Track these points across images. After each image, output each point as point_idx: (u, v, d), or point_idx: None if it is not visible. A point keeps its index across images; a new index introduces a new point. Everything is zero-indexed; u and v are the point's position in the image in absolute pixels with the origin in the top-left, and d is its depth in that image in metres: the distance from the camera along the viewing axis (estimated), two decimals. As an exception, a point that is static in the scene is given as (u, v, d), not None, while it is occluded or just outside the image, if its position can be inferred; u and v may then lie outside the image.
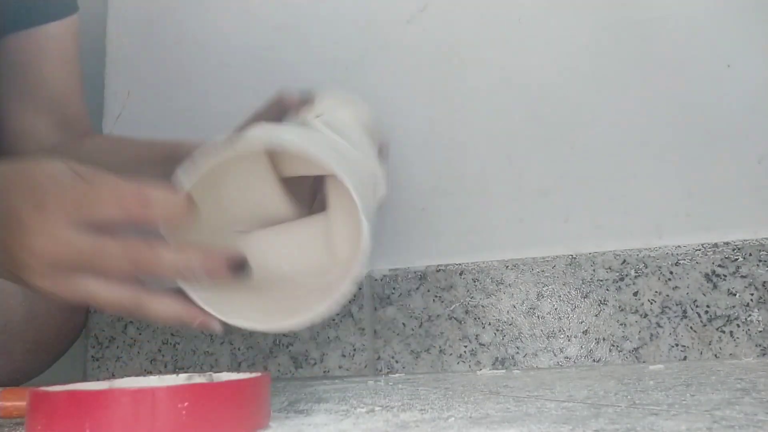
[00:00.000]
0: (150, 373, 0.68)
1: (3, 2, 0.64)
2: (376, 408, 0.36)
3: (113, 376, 0.69)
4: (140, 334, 0.69)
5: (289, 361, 0.63)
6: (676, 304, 0.55)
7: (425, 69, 0.66)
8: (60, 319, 0.67)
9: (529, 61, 0.64)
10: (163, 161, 0.58)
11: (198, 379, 0.34)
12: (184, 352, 0.67)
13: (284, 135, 0.38)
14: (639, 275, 0.56)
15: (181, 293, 0.35)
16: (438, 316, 0.60)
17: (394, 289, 0.62)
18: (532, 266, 0.59)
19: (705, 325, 0.54)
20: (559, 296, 0.58)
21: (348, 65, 0.68)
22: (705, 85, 0.59)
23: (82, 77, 0.69)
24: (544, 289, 0.58)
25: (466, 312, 0.59)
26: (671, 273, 0.55)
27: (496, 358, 0.58)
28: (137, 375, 0.68)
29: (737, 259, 0.54)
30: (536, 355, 0.57)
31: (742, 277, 0.54)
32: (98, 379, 0.69)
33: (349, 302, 0.62)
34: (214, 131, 0.73)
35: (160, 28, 0.76)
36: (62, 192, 0.33)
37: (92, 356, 0.70)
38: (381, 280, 0.62)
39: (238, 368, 0.65)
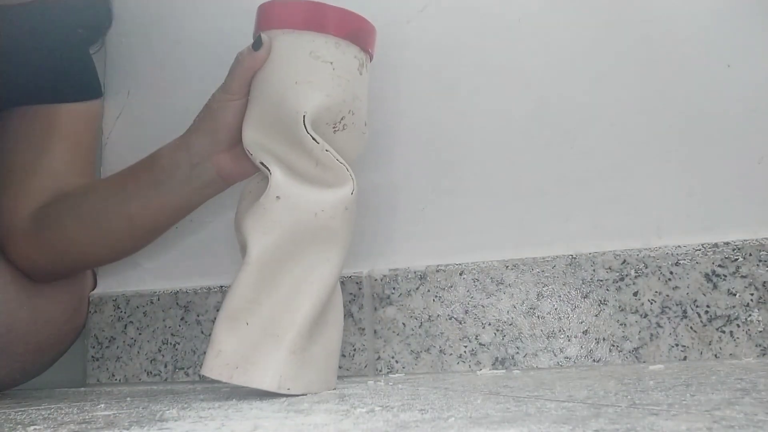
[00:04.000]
0: (150, 373, 0.68)
1: (19, 75, 0.63)
2: (376, 408, 0.36)
3: (113, 377, 0.69)
4: (140, 334, 0.69)
5: (289, 361, 0.63)
6: (676, 304, 0.55)
7: (425, 69, 0.66)
8: (61, 321, 0.67)
9: (529, 61, 0.64)
10: (143, 165, 0.58)
11: None
12: (183, 352, 0.67)
13: None
14: (639, 275, 0.56)
15: None
16: (438, 316, 0.60)
17: (394, 289, 0.62)
18: (532, 266, 0.59)
19: (705, 325, 0.54)
20: (559, 296, 0.58)
21: None
22: (705, 84, 0.59)
23: (89, 161, 0.66)
24: (544, 289, 0.58)
25: (466, 312, 0.59)
26: (671, 273, 0.55)
27: (496, 358, 0.58)
28: (137, 375, 0.68)
29: (737, 259, 0.54)
30: (536, 355, 0.57)
31: (743, 277, 0.54)
32: (98, 380, 0.69)
33: (349, 302, 0.62)
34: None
35: (160, 28, 0.76)
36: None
37: (92, 356, 0.70)
38: (381, 280, 0.62)
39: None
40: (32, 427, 0.36)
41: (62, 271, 0.65)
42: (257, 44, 0.50)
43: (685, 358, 0.54)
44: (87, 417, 0.40)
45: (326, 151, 0.48)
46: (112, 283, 0.73)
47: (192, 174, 0.55)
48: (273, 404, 0.40)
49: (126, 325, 0.70)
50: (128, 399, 0.50)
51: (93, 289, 0.72)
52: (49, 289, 0.65)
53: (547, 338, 0.57)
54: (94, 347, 0.70)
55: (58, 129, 0.64)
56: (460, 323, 0.59)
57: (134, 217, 0.57)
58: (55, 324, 0.66)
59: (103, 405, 0.46)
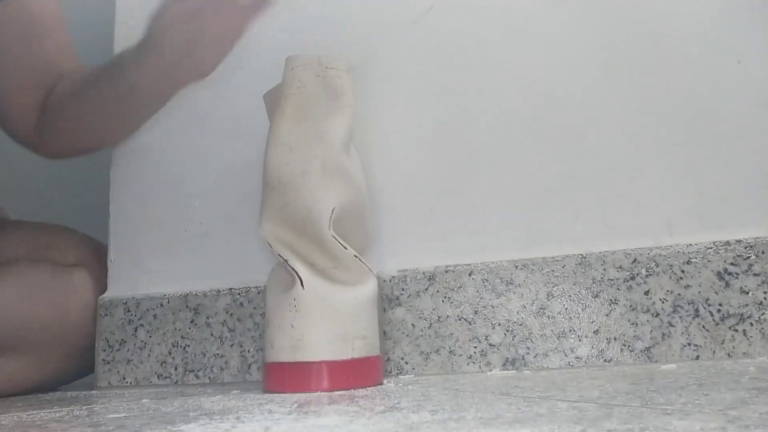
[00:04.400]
0: (160, 375, 0.68)
1: None
2: (387, 409, 0.36)
3: (124, 379, 0.70)
4: (150, 336, 0.69)
5: (299, 363, 0.63)
6: (688, 303, 0.54)
7: (432, 69, 0.66)
8: (90, 322, 0.69)
9: (537, 60, 0.63)
10: (123, 57, 0.61)
11: None
12: (194, 355, 0.67)
13: None
14: (650, 274, 0.55)
15: None
16: (447, 316, 0.60)
17: (402, 290, 0.61)
18: (541, 266, 0.58)
19: (717, 324, 0.53)
20: (570, 296, 0.57)
21: (354, 66, 0.68)
22: (715, 81, 0.58)
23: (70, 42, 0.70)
24: (554, 288, 0.58)
25: (476, 312, 0.59)
26: (683, 272, 0.55)
27: (507, 359, 0.58)
28: (148, 377, 0.69)
29: (750, 257, 0.53)
30: (547, 355, 0.57)
31: (755, 275, 0.53)
32: (110, 383, 0.69)
33: (359, 304, 0.62)
34: (219, 132, 0.73)
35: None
36: None
37: (103, 359, 0.70)
38: (390, 281, 0.62)
39: (248, 370, 0.65)
40: (44, 430, 0.37)
41: (79, 152, 0.71)
42: None
43: (697, 358, 0.53)
44: (98, 420, 0.40)
45: (355, 256, 0.51)
46: (123, 286, 0.73)
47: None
48: (283, 406, 0.40)
49: (136, 328, 0.70)
50: (139, 401, 0.50)
51: (103, 293, 0.73)
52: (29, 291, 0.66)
53: (558, 338, 0.57)
54: (104, 350, 0.71)
55: (39, 17, 0.66)
56: (470, 324, 0.59)
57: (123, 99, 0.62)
58: (87, 326, 0.68)
59: (113, 408, 0.47)
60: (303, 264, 0.50)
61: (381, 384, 0.52)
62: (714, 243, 0.55)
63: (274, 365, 0.50)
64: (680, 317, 0.54)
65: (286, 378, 0.49)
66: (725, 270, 0.54)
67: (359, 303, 0.51)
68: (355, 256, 0.51)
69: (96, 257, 0.74)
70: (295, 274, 0.50)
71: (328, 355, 0.49)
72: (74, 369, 0.71)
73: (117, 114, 0.65)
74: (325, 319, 0.49)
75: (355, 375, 0.50)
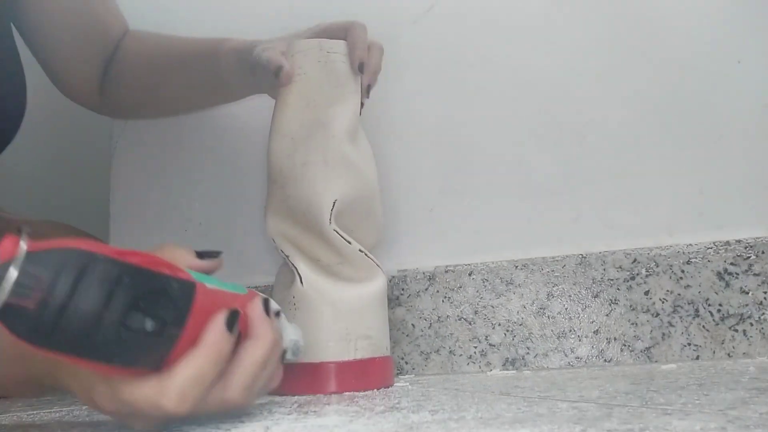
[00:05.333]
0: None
1: None
2: (386, 409, 0.36)
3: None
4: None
5: (299, 363, 0.63)
6: (688, 303, 0.54)
7: (432, 69, 0.66)
8: None
9: (537, 60, 0.63)
10: (206, 55, 0.59)
11: None
12: (194, 355, 0.67)
13: None
14: (650, 274, 0.55)
15: None
16: (447, 316, 0.60)
17: (403, 290, 0.61)
18: (542, 266, 0.58)
19: (717, 324, 0.53)
20: (570, 296, 0.57)
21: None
22: (715, 81, 0.58)
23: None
24: (554, 288, 0.58)
25: (476, 312, 0.59)
26: (683, 272, 0.55)
27: (507, 359, 0.58)
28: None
29: (749, 257, 0.53)
30: (547, 355, 0.57)
31: (755, 275, 0.53)
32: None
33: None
34: (220, 131, 0.73)
35: (166, 32, 0.76)
36: None
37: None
38: (390, 281, 0.62)
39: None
40: (44, 430, 0.37)
41: (142, 116, 0.73)
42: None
43: (697, 358, 0.53)
44: (98, 420, 0.40)
45: (360, 251, 0.49)
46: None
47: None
48: (283, 406, 0.40)
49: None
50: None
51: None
52: None
53: (558, 338, 0.57)
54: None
55: None
56: (470, 324, 0.59)
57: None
58: None
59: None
60: (306, 260, 0.49)
61: (390, 386, 0.50)
62: (714, 243, 0.55)
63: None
64: (680, 317, 0.54)
65: (282, 378, 0.47)
66: (725, 270, 0.54)
67: (364, 301, 0.49)
68: (360, 250, 0.49)
69: None
70: (295, 271, 0.48)
71: (328, 355, 0.47)
72: None
73: (197, 95, 0.65)
74: (325, 318, 0.47)
75: (358, 377, 0.47)
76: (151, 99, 0.67)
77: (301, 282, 0.48)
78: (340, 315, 0.48)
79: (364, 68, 0.50)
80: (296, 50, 0.50)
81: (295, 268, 0.49)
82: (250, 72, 0.52)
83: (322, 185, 0.48)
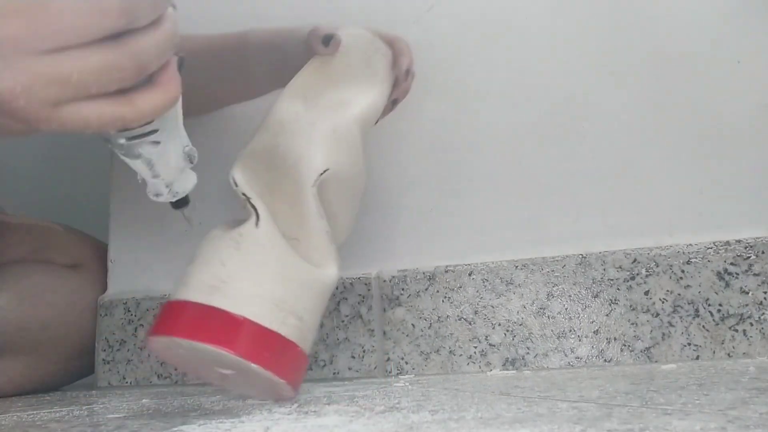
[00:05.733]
0: (160, 375, 0.68)
1: None
2: (386, 409, 0.36)
3: (124, 379, 0.69)
4: (150, 337, 0.69)
5: (299, 363, 0.63)
6: (688, 303, 0.54)
7: (432, 69, 0.66)
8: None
9: (537, 60, 0.63)
10: (234, 47, 0.59)
11: None
12: (194, 355, 0.67)
13: None
14: (650, 274, 0.55)
15: None
16: (447, 316, 0.60)
17: (403, 290, 0.61)
18: (542, 266, 0.58)
19: (717, 324, 0.53)
20: (570, 296, 0.57)
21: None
22: (715, 81, 0.58)
23: None
24: (554, 288, 0.58)
25: (476, 312, 0.59)
26: (683, 272, 0.55)
27: (507, 359, 0.58)
28: (148, 377, 0.68)
29: (749, 257, 0.53)
30: (547, 355, 0.57)
31: (755, 275, 0.53)
32: (110, 383, 0.69)
33: (358, 303, 0.62)
34: (222, 131, 0.73)
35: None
36: None
37: (103, 359, 0.70)
38: (390, 281, 0.62)
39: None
40: (44, 430, 0.37)
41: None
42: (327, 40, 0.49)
43: (697, 358, 0.53)
44: (98, 420, 0.40)
45: (326, 232, 0.43)
46: (123, 286, 0.73)
47: None
48: (283, 406, 0.40)
49: (136, 328, 0.70)
50: (139, 401, 0.50)
51: (103, 293, 0.73)
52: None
53: (558, 338, 0.57)
54: (104, 350, 0.71)
55: None
56: (470, 324, 0.59)
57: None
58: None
59: (113, 408, 0.47)
60: (265, 208, 0.42)
61: (293, 394, 0.41)
62: (714, 243, 0.55)
63: (177, 304, 0.38)
64: (680, 317, 0.54)
65: (186, 322, 0.37)
66: (725, 270, 0.54)
67: (309, 283, 0.41)
68: (326, 232, 0.43)
69: (96, 257, 0.74)
70: (254, 211, 0.41)
71: (251, 313, 0.37)
72: (74, 369, 0.71)
73: (223, 91, 0.63)
74: (266, 271, 0.39)
75: (272, 353, 0.37)
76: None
77: (257, 223, 0.40)
78: (284, 280, 0.39)
79: (408, 76, 0.50)
80: (348, 32, 0.50)
81: (255, 209, 0.41)
82: (280, 60, 0.52)
83: (322, 149, 0.44)
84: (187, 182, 0.41)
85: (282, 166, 0.43)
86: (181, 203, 0.42)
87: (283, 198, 0.43)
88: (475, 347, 0.59)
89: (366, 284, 0.63)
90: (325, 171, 0.43)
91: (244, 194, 0.42)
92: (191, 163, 0.39)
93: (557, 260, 0.58)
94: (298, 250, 0.42)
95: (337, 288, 0.61)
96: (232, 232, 0.40)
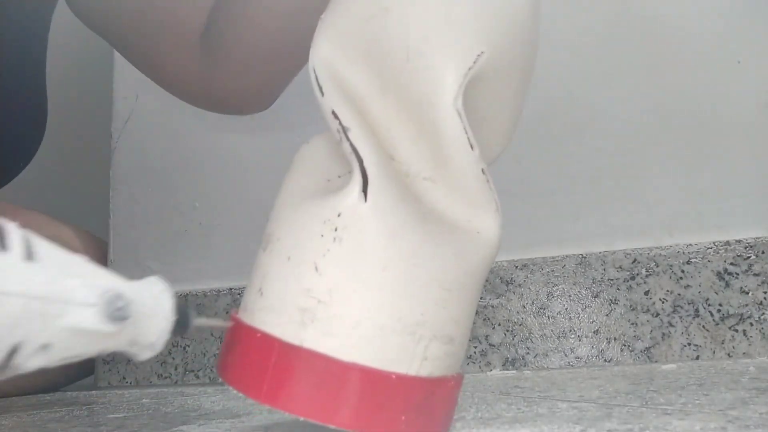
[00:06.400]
0: (160, 376, 0.68)
1: None
2: (386, 409, 0.36)
3: (124, 379, 0.69)
4: (150, 337, 0.69)
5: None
6: (688, 303, 0.54)
7: (432, 69, 0.66)
8: None
9: (537, 59, 0.63)
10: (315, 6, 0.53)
11: None
12: (194, 355, 0.67)
13: None
14: (650, 274, 0.55)
15: None
16: (447, 316, 0.60)
17: (403, 290, 0.61)
18: (541, 266, 0.58)
19: (717, 324, 0.53)
20: (570, 296, 0.57)
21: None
22: (715, 80, 0.58)
23: None
24: (554, 288, 0.58)
25: (476, 312, 0.59)
26: (683, 272, 0.55)
27: (507, 359, 0.58)
28: (148, 377, 0.68)
29: (750, 257, 0.53)
30: (547, 355, 0.57)
31: (755, 275, 0.53)
32: (110, 383, 0.69)
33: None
34: (221, 131, 0.73)
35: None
36: None
37: (103, 359, 0.70)
38: (390, 281, 0.62)
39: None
40: (44, 430, 0.37)
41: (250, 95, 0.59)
42: None
43: (697, 358, 0.53)
44: (98, 420, 0.40)
45: (482, 171, 0.26)
46: (123, 286, 0.73)
47: None
48: (283, 406, 0.40)
49: (136, 328, 0.70)
50: (139, 401, 0.50)
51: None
52: None
53: (558, 338, 0.57)
54: (104, 350, 0.71)
55: None
56: (470, 324, 0.59)
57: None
58: None
59: (113, 408, 0.47)
60: (376, 149, 0.24)
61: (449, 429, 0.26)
62: (714, 243, 0.55)
63: (256, 341, 0.24)
64: (680, 317, 0.54)
65: (270, 381, 0.24)
66: (725, 270, 0.54)
67: (462, 267, 0.25)
68: (481, 168, 0.26)
69: (97, 255, 0.73)
70: (357, 164, 0.23)
71: (370, 357, 0.23)
72: (74, 369, 0.71)
73: (300, 52, 0.56)
74: (388, 280, 0.23)
75: (409, 411, 0.23)
76: (266, 67, 0.55)
77: (365, 194, 0.23)
78: (416, 281, 0.24)
79: None
80: None
81: (359, 159, 0.23)
82: None
83: (466, 19, 0.25)
84: (150, 328, 0.23)
85: (397, 56, 0.24)
86: (179, 330, 0.25)
87: (402, 113, 0.25)
88: (475, 347, 0.59)
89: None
90: (475, 61, 0.25)
91: (336, 117, 0.24)
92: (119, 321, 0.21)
93: (557, 260, 0.58)
94: (439, 201, 0.25)
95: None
96: (328, 209, 0.24)
